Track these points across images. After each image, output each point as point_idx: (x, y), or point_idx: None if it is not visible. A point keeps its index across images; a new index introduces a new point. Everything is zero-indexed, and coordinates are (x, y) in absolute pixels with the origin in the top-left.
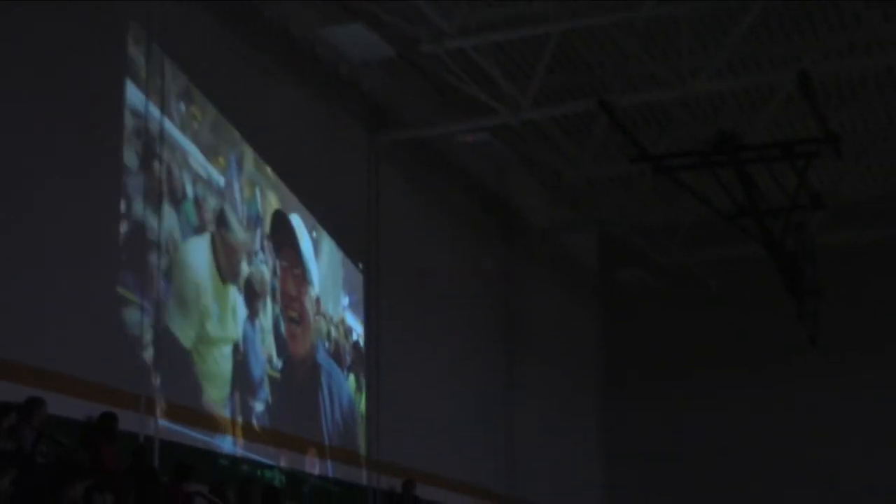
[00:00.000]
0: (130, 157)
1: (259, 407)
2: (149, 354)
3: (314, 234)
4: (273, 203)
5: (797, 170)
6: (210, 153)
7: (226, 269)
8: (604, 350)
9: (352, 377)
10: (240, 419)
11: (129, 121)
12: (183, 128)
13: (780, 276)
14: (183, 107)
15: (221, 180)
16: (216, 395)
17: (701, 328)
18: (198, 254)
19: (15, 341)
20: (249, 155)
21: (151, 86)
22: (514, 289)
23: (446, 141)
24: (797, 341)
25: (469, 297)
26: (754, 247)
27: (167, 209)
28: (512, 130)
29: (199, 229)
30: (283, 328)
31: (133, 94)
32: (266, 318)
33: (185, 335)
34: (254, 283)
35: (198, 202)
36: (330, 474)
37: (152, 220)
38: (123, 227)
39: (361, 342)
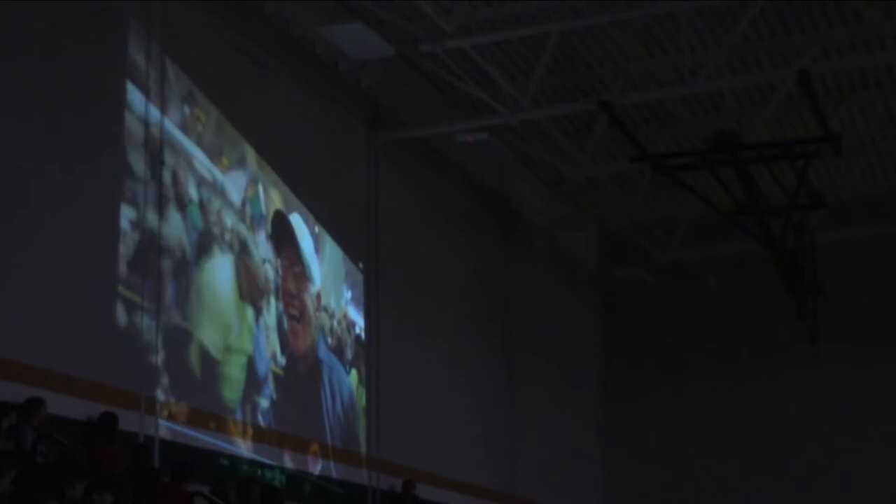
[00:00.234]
0: (132, 158)
1: (264, 403)
2: (149, 354)
3: (316, 229)
4: (276, 201)
5: (797, 169)
6: (213, 153)
7: (246, 291)
8: (603, 348)
9: (353, 372)
10: (241, 418)
11: (129, 121)
12: (183, 127)
13: (780, 274)
14: (183, 105)
15: (224, 180)
16: (229, 397)
17: (700, 326)
18: (223, 274)
19: (15, 341)
20: (251, 154)
21: (151, 84)
22: (513, 287)
23: (446, 139)
24: (797, 339)
25: (469, 296)
26: (753, 244)
27: (168, 209)
28: (511, 129)
29: (205, 234)
30: (285, 325)
31: (133, 94)
32: (270, 316)
33: (211, 344)
34: (231, 247)
35: (202, 204)
36: (332, 474)
37: (153, 221)
38: (124, 228)
39: (364, 336)
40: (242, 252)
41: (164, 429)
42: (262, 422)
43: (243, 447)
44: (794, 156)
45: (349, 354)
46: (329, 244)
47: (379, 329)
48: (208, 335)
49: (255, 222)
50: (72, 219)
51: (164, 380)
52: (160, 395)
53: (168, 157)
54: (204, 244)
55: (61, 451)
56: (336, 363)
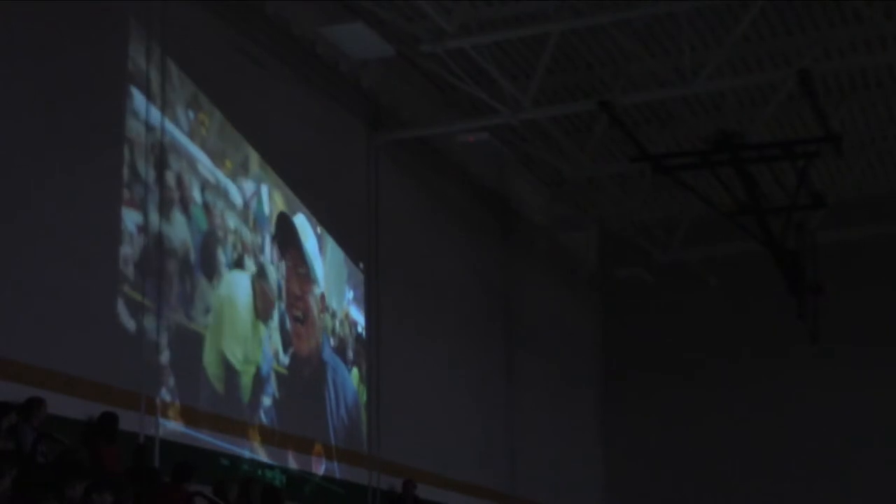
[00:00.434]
0: (134, 159)
1: (265, 403)
2: (150, 354)
3: (318, 230)
4: (277, 202)
5: (798, 168)
6: (215, 155)
7: (262, 311)
8: (603, 348)
9: (355, 370)
10: (242, 418)
11: (131, 122)
12: (183, 128)
13: (781, 274)
14: (184, 107)
15: (226, 181)
16: (230, 397)
17: (701, 326)
18: (241, 290)
19: (15, 341)
20: (253, 155)
21: (153, 85)
22: (513, 287)
23: (446, 139)
24: (797, 339)
25: (469, 296)
26: (754, 244)
27: (170, 210)
28: (512, 129)
29: (209, 234)
30: (288, 326)
31: (134, 95)
32: (273, 316)
33: (212, 344)
34: (249, 267)
35: (207, 206)
36: (332, 474)
37: (154, 222)
38: (125, 228)
39: (362, 332)
40: (250, 254)
41: (165, 429)
42: (262, 422)
43: (244, 447)
44: (795, 156)
45: (351, 354)
46: (331, 245)
47: (379, 329)
48: (210, 335)
49: (258, 224)
50: (72, 219)
51: (165, 380)
52: (160, 395)
53: (170, 158)
54: (207, 245)
55: (61, 451)
56: (340, 364)
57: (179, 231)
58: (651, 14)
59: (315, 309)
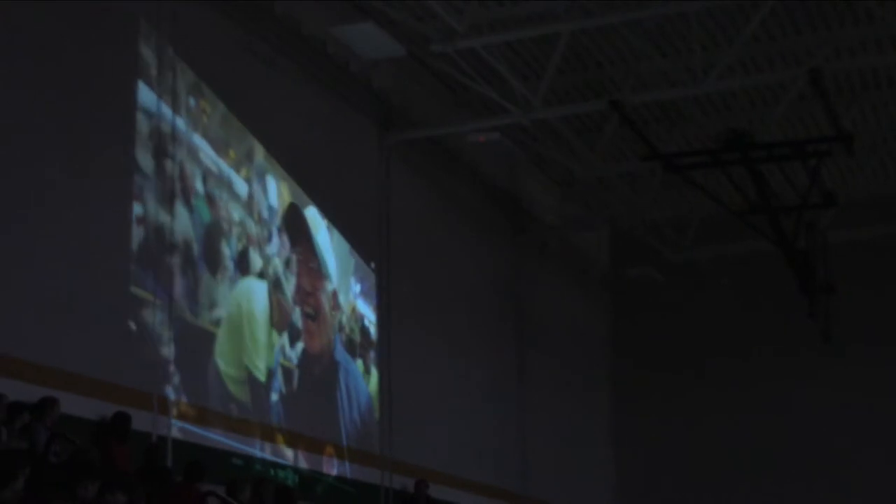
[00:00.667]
0: (143, 157)
1: (279, 402)
2: (162, 354)
3: (328, 224)
4: (286, 198)
5: (809, 168)
6: (223, 151)
7: (278, 321)
8: (614, 347)
9: (360, 362)
10: (254, 418)
11: (141, 120)
12: (195, 126)
13: (792, 273)
14: (195, 105)
15: (238, 181)
16: (242, 397)
17: (712, 325)
18: (256, 294)
19: (28, 341)
20: (264, 155)
21: (163, 85)
22: (524, 287)
23: (457, 139)
24: (809, 338)
25: (480, 296)
26: (765, 243)
27: (180, 208)
28: (523, 129)
29: (214, 226)
30: (299, 322)
31: (145, 94)
32: (288, 320)
33: (225, 343)
34: (266, 276)
35: (212, 200)
36: (345, 474)
37: (166, 219)
38: (137, 227)
39: (371, 329)
40: (278, 292)
41: (177, 428)
42: (275, 422)
43: (256, 447)
44: (807, 155)
45: (358, 348)
46: (336, 236)
47: (391, 329)
48: (222, 335)
49: (269, 223)
50: (83, 218)
51: (177, 379)
52: (172, 395)
53: (179, 156)
54: (219, 242)
55: (74, 451)
56: (351, 363)
57: (194, 230)
58: (661, 14)
59: (327, 306)
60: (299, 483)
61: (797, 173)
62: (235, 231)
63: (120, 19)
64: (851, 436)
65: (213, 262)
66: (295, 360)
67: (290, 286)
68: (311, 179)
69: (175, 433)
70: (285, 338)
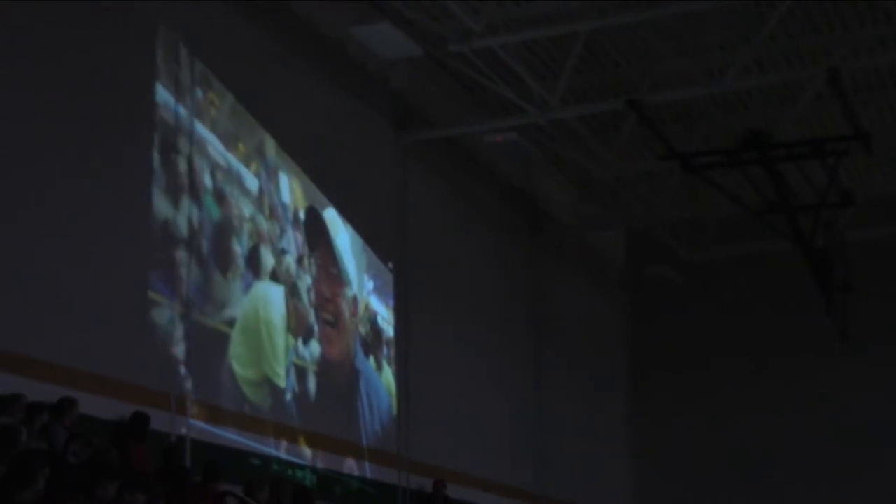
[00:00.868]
0: (160, 157)
1: (297, 402)
2: (180, 354)
3: (345, 225)
4: (299, 196)
5: (827, 167)
6: (240, 152)
7: (294, 327)
8: (632, 347)
9: (371, 358)
10: (272, 418)
11: (159, 122)
12: (212, 126)
13: (810, 273)
14: (209, 104)
15: (246, 173)
16: (260, 397)
17: (729, 325)
18: (275, 305)
19: (47, 341)
20: (283, 155)
21: (181, 86)
22: (542, 287)
23: (474, 139)
24: (827, 337)
25: (497, 295)
26: (782, 243)
27: (195, 206)
28: (540, 129)
29: (225, 223)
30: (314, 323)
31: (162, 94)
32: (305, 324)
33: (244, 344)
34: (279, 275)
35: (224, 197)
36: (362, 474)
37: (183, 221)
38: (155, 228)
39: (382, 325)
40: (295, 298)
41: (195, 428)
42: (293, 422)
43: (274, 447)
44: (825, 154)
45: (371, 344)
46: (352, 235)
47: (408, 329)
48: (237, 336)
49: (288, 223)
50: (102, 219)
51: (195, 380)
52: (191, 395)
53: (196, 156)
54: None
55: (92, 451)
56: (372, 373)
57: (208, 227)
58: (679, 13)
59: (347, 312)
60: (317, 483)
61: (815, 172)
62: (247, 227)
63: (138, 19)
64: (871, 435)
65: (224, 260)
66: (311, 361)
67: (304, 285)
68: (328, 179)
69: (193, 433)
70: (311, 345)
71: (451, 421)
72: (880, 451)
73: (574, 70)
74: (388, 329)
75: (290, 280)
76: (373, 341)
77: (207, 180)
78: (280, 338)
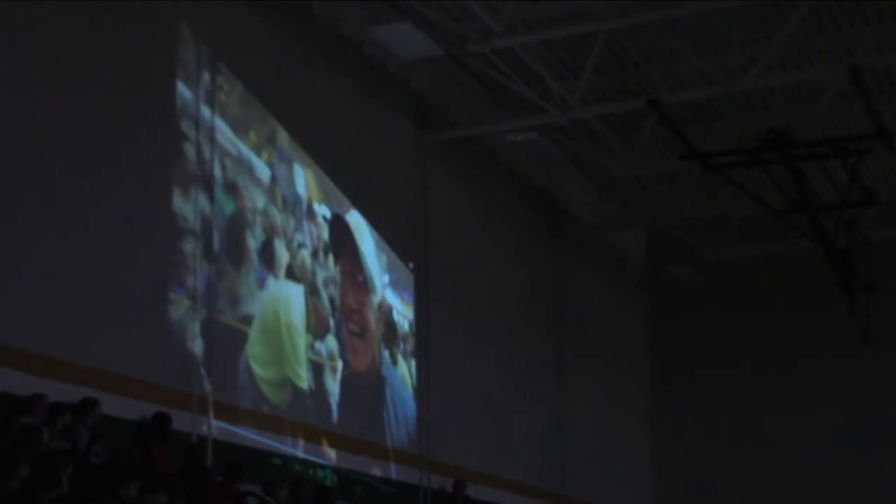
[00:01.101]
0: (181, 159)
1: (318, 402)
2: (202, 354)
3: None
4: (315, 191)
5: (849, 166)
6: (261, 151)
7: (314, 328)
8: (652, 347)
9: (386, 353)
10: (293, 418)
11: (179, 121)
12: (233, 126)
13: (831, 272)
14: (232, 105)
15: (276, 182)
16: (282, 397)
17: (750, 324)
18: (296, 306)
19: (70, 342)
20: (303, 156)
21: (202, 86)
22: (562, 287)
23: (495, 139)
24: (849, 338)
25: (518, 295)
26: (804, 242)
27: (219, 209)
28: (560, 129)
29: (238, 215)
30: (332, 324)
31: (184, 94)
32: (327, 325)
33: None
34: (295, 270)
35: (237, 192)
36: (383, 474)
37: (207, 222)
38: (177, 229)
39: (398, 319)
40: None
41: (217, 428)
42: (313, 422)
43: (295, 447)
44: (846, 153)
45: (387, 339)
46: (372, 235)
47: (429, 329)
48: (255, 335)
49: (312, 227)
50: (123, 218)
51: (217, 380)
52: (212, 395)
53: (217, 156)
54: (262, 249)
55: (114, 452)
56: (397, 379)
57: (229, 231)
58: (699, 12)
59: (373, 320)
60: (338, 483)
61: (837, 171)
62: (261, 222)
63: (160, 19)
64: (894, 436)
65: (237, 256)
66: (328, 358)
67: (321, 281)
68: (349, 180)
69: (215, 433)
70: (327, 340)
71: (472, 421)
72: None
73: (594, 70)
74: (404, 323)
75: (307, 277)
76: (388, 335)
77: (221, 175)
78: (301, 339)
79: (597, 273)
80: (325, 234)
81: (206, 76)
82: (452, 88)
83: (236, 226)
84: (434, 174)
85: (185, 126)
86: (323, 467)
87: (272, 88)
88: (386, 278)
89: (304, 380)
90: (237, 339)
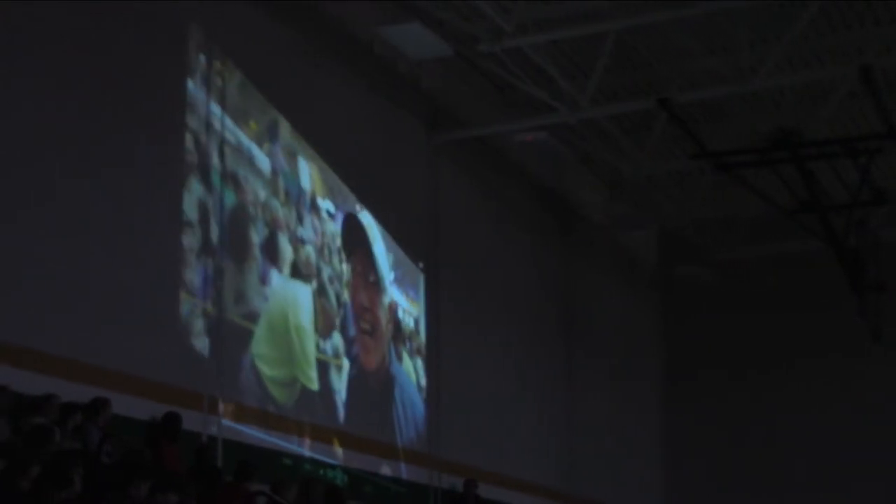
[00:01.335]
0: (191, 158)
1: (329, 402)
2: (213, 354)
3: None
4: (318, 186)
5: (859, 165)
6: (271, 152)
7: (322, 328)
8: (663, 346)
9: (392, 350)
10: (303, 418)
11: (189, 121)
12: (242, 125)
13: (842, 272)
14: (243, 107)
15: (290, 183)
16: (292, 397)
17: (760, 324)
18: (304, 306)
19: (81, 342)
20: (312, 156)
21: (211, 85)
22: (573, 286)
23: (505, 139)
24: (859, 337)
25: (528, 296)
26: (814, 242)
27: (229, 211)
28: (570, 129)
29: (240, 210)
30: (351, 329)
31: (193, 94)
32: (335, 325)
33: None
34: (300, 267)
35: (240, 186)
36: (393, 474)
37: (216, 222)
38: (187, 229)
39: (402, 316)
40: (322, 297)
41: (227, 428)
42: (324, 422)
43: (305, 447)
44: (857, 153)
45: (396, 337)
46: (382, 235)
47: (439, 329)
48: (261, 333)
49: (324, 226)
50: (134, 218)
51: (228, 380)
52: (223, 395)
53: (227, 154)
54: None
55: (125, 451)
56: (406, 379)
57: (240, 230)
58: (709, 12)
59: (384, 320)
60: (348, 483)
61: (847, 171)
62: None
63: (169, 19)
64: None
65: (241, 252)
66: (335, 357)
67: (328, 279)
68: (359, 180)
69: (225, 433)
70: (333, 338)
71: (483, 421)
72: None
73: (604, 69)
74: (409, 321)
75: (313, 275)
76: (395, 333)
77: (221, 168)
78: (310, 340)
79: (607, 273)
80: (329, 229)
81: (215, 76)
82: (463, 88)
83: (238, 221)
84: (444, 174)
85: (192, 124)
86: (333, 467)
87: (282, 88)
88: (392, 276)
89: (314, 380)
90: (243, 337)
